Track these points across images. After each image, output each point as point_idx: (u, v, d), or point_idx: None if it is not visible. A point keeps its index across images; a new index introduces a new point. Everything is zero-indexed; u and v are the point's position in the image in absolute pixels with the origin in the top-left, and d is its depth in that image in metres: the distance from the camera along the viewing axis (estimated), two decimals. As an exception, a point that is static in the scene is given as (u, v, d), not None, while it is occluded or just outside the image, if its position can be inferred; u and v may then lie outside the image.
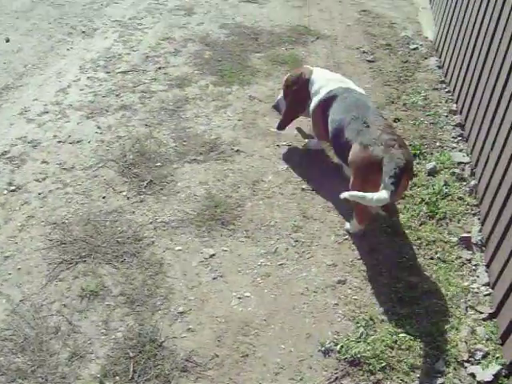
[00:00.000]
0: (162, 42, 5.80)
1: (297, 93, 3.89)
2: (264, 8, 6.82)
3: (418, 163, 4.19)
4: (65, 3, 6.65)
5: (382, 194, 2.84)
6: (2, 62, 5.22)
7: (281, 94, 4.12)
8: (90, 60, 5.37)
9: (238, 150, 4.16)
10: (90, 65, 5.29)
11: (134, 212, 3.55)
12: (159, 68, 5.29)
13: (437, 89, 5.22)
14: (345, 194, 2.97)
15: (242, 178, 3.90)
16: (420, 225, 3.62)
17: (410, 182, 3.39)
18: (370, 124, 3.22)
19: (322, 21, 6.61)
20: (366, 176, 3.09)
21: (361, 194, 2.90)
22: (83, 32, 5.94)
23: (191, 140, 4.23)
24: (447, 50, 5.45)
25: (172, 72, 5.21)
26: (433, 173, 4.11)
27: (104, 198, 3.67)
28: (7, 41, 5.59)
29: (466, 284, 3.19)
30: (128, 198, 3.67)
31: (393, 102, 4.86)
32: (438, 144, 4.42)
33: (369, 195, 2.86)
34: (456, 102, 4.93)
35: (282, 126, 4.16)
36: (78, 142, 4.20)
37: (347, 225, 3.54)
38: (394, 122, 4.67)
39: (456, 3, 5.32)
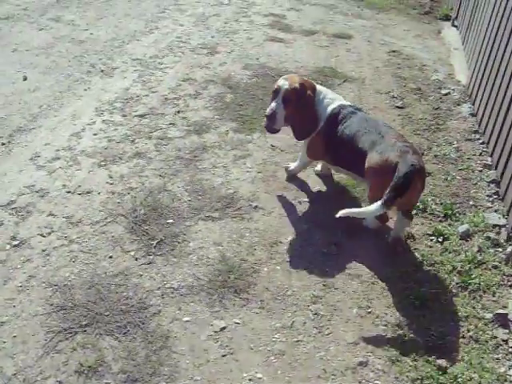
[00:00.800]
0: (183, 83, 5.63)
1: (308, 108, 3.87)
2: (290, 47, 6.64)
3: (449, 224, 3.89)
4: (86, 39, 6.57)
5: (376, 205, 3.22)
6: (17, 103, 5.10)
7: (275, 103, 3.84)
8: (106, 101, 5.23)
9: (256, 207, 3.94)
10: (107, 107, 5.14)
11: (141, 275, 3.33)
12: (178, 112, 5.12)
13: (470, 139, 4.96)
14: (341, 213, 3.25)
15: (259, 238, 3.66)
16: (451, 297, 3.30)
17: (424, 186, 3.56)
18: (384, 135, 3.49)
19: (349, 62, 6.40)
20: (383, 181, 3.27)
21: (356, 210, 3.33)
22: (102, 71, 5.81)
23: (207, 194, 4.02)
24: (481, 97, 5.19)
25: (191, 116, 5.03)
26: (465, 237, 3.83)
27: (111, 257, 3.46)
28: (25, 79, 5.49)
29: (502, 370, 2.90)
30: (136, 259, 3.45)
31: (423, 154, 4.58)
32: (471, 203, 4.14)
33: (364, 210, 3.33)
34: (491, 156, 4.65)
35: (300, 138, 4.10)
36: (87, 192, 4.01)
37: (366, 220, 3.74)
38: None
39: (491, 45, 5.08)
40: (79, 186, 4.11)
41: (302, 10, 8.00)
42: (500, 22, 4.92)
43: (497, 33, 4.96)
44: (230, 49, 6.55)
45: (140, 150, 4.55)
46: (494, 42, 5.03)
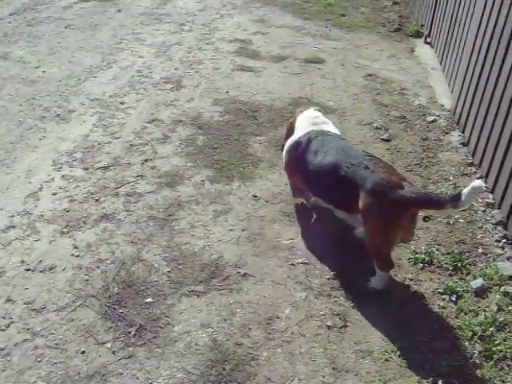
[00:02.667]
0: (148, 126, 5.19)
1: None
2: (260, 77, 6.25)
3: (460, 279, 3.54)
4: (38, 79, 6.07)
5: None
6: (-38, 160, 4.55)
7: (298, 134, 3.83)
8: (65, 152, 4.75)
9: (245, 274, 3.52)
10: (66, 158, 4.66)
11: (121, 374, 2.89)
12: (146, 160, 4.67)
13: (466, 174, 4.66)
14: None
15: (252, 314, 3.24)
16: (476, 369, 2.92)
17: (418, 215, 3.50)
18: (373, 169, 3.28)
19: (325, 90, 6.05)
20: (387, 218, 3.18)
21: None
22: (58, 115, 5.33)
23: (188, 261, 3.58)
24: (472, 125, 4.93)
25: (161, 165, 4.59)
26: (481, 293, 3.49)
27: (83, 352, 3.00)
28: (-30, 131, 4.94)
29: None
30: (113, 353, 3.00)
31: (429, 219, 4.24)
32: (480, 250, 3.80)
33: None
34: (492, 192, 4.32)
35: None
36: (50, 269, 3.53)
37: (371, 282, 3.48)
38: (424, 220, 4.05)
39: (480, 67, 4.81)
40: (40, 260, 3.63)
41: (268, 34, 7.63)
42: (489, 42, 4.62)
43: (486, 55, 4.66)
44: (197, 82, 6.11)
45: (107, 210, 4.07)
46: (483, 64, 4.73)
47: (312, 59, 6.90)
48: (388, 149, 5.07)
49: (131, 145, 4.99)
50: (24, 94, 5.81)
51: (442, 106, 5.94)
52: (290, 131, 3.96)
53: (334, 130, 3.82)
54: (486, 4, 4.85)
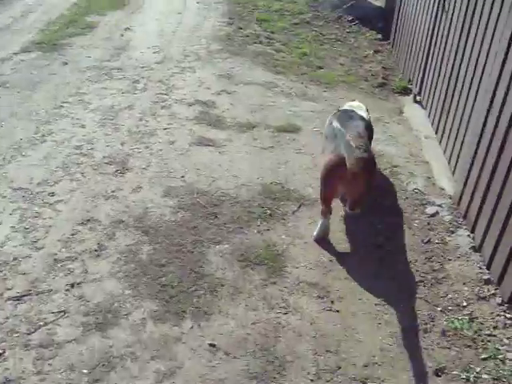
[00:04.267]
0: (81, 229, 4.14)
1: None
2: (224, 154, 5.23)
3: None
4: (-49, 158, 4.88)
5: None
6: None
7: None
8: (-33, 272, 3.57)
9: None
10: (-33, 283, 3.48)
11: None
12: (72, 285, 3.65)
13: (484, 298, 3.61)
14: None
15: None
16: None
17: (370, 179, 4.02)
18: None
19: (302, 171, 5.08)
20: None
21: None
22: (-33, 214, 4.16)
23: None
24: (487, 222, 3.93)
25: (91, 294, 3.56)
26: None
27: None
28: None
29: None
30: None
31: (431, 347, 3.18)
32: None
33: None
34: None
35: None
36: None
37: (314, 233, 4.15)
38: (437, 375, 3.06)
39: (493, 143, 3.81)
40: None
41: (234, 93, 6.63)
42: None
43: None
44: (146, 162, 5.07)
45: (11, 373, 2.92)
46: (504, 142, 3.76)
47: (286, 127, 5.89)
48: (381, 259, 4.01)
49: (55, 260, 3.92)
50: None
51: (443, 189, 5.00)
52: None
53: (362, 113, 4.74)
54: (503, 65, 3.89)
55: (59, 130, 5.66)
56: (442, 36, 5.86)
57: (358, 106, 4.89)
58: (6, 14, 9.42)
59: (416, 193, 5.02)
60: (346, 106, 4.96)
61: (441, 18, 5.99)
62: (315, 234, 4.25)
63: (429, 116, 6.27)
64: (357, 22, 9.85)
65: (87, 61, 7.51)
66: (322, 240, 4.28)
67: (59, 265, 3.92)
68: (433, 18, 6.28)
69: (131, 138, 5.57)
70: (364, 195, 3.97)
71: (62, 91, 6.54)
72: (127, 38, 8.47)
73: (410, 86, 7.31)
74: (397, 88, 7.30)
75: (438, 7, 6.12)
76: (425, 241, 4.37)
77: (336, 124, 4.24)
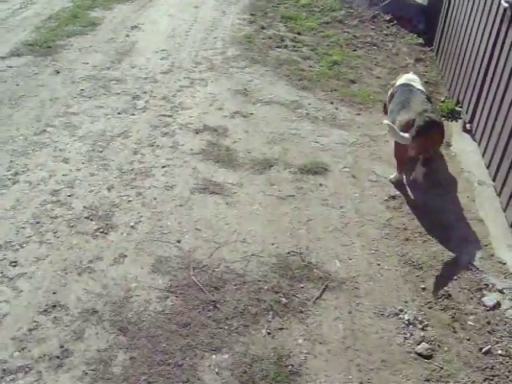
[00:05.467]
0: (41, 321, 3.35)
1: None
2: (233, 206, 4.29)
3: None
4: None
5: (407, 134, 4.42)
6: None
7: None
8: None
9: None
10: None
11: None
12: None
13: None
14: (385, 122, 4.48)
15: None
16: None
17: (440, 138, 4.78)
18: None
19: (328, 234, 4.15)
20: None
21: (395, 128, 4.44)
22: None
23: None
24: None
25: None
26: None
27: None
28: None
29: None
30: None
31: None
32: None
33: (399, 132, 4.44)
34: None
35: None
36: None
37: (391, 176, 4.90)
38: None
39: None
40: None
41: (251, 116, 5.61)
42: None
43: None
44: (136, 216, 4.13)
45: None
46: None
47: (310, 167, 4.89)
48: (428, 379, 2.96)
49: (4, 370, 2.89)
50: None
51: (504, 264, 3.89)
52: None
53: (419, 86, 5.15)
54: None
55: (37, 166, 4.69)
56: (509, 54, 4.70)
57: (413, 79, 5.28)
58: (4, 5, 8.36)
59: (470, 269, 3.93)
60: (403, 79, 5.32)
61: (506, 32, 4.81)
62: (392, 176, 4.98)
63: (483, 154, 5.16)
64: (395, 21, 8.63)
65: (83, 69, 6.53)
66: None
67: (8, 379, 2.91)
68: (495, 30, 5.12)
69: (121, 179, 4.58)
70: (435, 154, 4.87)
71: (48, 110, 5.57)
72: (133, 39, 7.44)
73: (458, 109, 6.14)
74: (443, 111, 6.12)
75: (502, 17, 4.94)
76: (483, 350, 3.28)
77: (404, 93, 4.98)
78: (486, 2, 5.46)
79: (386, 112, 5.34)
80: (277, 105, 6.04)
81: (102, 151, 5.01)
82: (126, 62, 6.79)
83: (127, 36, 7.60)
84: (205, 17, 8.51)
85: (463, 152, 5.53)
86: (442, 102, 6.41)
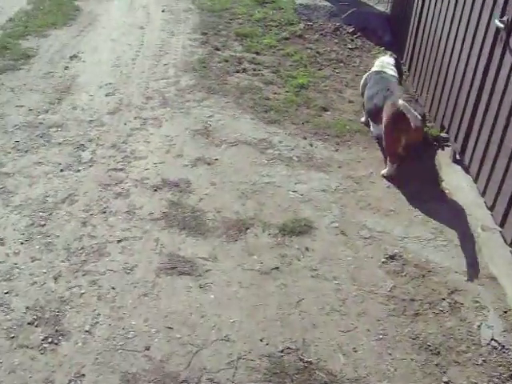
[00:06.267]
0: None
1: None
2: (207, 290, 3.69)
3: None
4: None
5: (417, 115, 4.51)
6: None
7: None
8: None
9: None
10: None
11: None
12: None
13: None
14: (401, 101, 4.63)
15: None
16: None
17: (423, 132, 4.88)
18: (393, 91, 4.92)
19: (325, 316, 3.51)
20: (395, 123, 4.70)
21: (410, 108, 4.54)
22: None
23: None
24: None
25: None
26: None
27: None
28: None
29: None
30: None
31: None
32: None
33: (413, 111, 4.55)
34: None
35: None
36: None
37: (383, 171, 4.99)
38: None
39: None
40: None
41: (216, 163, 4.93)
42: None
43: None
44: (91, 317, 3.61)
45: None
46: None
47: (293, 226, 4.26)
48: None
49: None
50: None
51: None
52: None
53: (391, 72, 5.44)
54: None
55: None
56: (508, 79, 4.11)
57: (388, 64, 5.60)
58: None
59: (495, 347, 3.29)
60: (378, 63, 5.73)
61: (502, 55, 4.20)
62: (385, 171, 5.05)
63: (484, 193, 4.57)
64: (359, 33, 8.01)
65: (17, 114, 5.64)
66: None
67: None
68: (486, 51, 4.55)
69: (70, 263, 3.80)
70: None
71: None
72: (73, 72, 6.58)
73: (444, 135, 5.52)
74: (429, 136, 5.50)
75: (495, 39, 4.35)
76: None
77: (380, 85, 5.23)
78: (474, 19, 4.85)
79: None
80: (244, 145, 5.30)
81: (43, 225, 4.18)
82: (66, 102, 5.93)
83: (66, 68, 6.73)
84: (152, 39, 7.68)
85: (458, 189, 4.94)
86: (431, 129, 5.75)
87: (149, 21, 8.47)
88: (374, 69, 5.59)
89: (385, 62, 5.60)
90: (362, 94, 5.66)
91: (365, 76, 5.70)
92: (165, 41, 7.73)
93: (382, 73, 5.41)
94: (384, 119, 4.84)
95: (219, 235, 4.18)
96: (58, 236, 4.11)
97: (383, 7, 8.83)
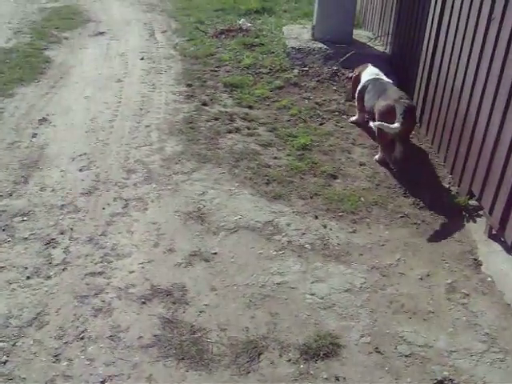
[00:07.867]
0: None
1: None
2: None
3: None
4: None
5: (396, 124, 5.17)
6: None
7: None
8: None
9: None
10: None
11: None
12: None
13: None
14: (373, 124, 5.54)
15: None
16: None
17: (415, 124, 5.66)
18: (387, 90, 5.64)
19: None
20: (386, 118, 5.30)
21: (385, 124, 5.19)
22: None
23: None
24: None
25: None
26: None
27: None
28: None
29: None
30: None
31: None
32: None
33: (388, 125, 5.17)
34: None
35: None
36: None
37: (376, 156, 5.79)
38: None
39: None
40: None
41: (215, 258, 4.25)
42: None
43: None
44: None
45: None
46: None
47: (316, 345, 3.72)
48: None
49: None
50: None
51: None
52: (356, 82, 6.42)
53: (385, 79, 6.11)
54: None
55: None
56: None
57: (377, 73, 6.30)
58: None
59: None
60: (370, 74, 6.32)
61: None
62: (377, 157, 5.88)
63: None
64: (360, 78, 7.23)
65: (-24, 200, 4.69)
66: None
67: None
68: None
69: (39, 424, 2.82)
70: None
71: None
72: (42, 141, 5.76)
73: (473, 204, 4.74)
74: (449, 205, 4.73)
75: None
76: None
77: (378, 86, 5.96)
78: (508, 75, 4.10)
79: (352, 97, 6.63)
80: (246, 231, 4.50)
81: (5, 362, 3.26)
82: (34, 181, 5.10)
83: (34, 136, 5.90)
84: (131, 95, 6.88)
85: (502, 275, 4.14)
86: (449, 191, 4.98)
87: (127, 72, 7.66)
88: (369, 77, 6.21)
89: (375, 71, 6.36)
90: (355, 98, 6.48)
91: (362, 83, 6.29)
92: (145, 96, 6.92)
93: (380, 79, 6.11)
94: (376, 114, 5.58)
95: (227, 366, 3.35)
96: (24, 379, 3.19)
97: (381, 47, 8.10)
